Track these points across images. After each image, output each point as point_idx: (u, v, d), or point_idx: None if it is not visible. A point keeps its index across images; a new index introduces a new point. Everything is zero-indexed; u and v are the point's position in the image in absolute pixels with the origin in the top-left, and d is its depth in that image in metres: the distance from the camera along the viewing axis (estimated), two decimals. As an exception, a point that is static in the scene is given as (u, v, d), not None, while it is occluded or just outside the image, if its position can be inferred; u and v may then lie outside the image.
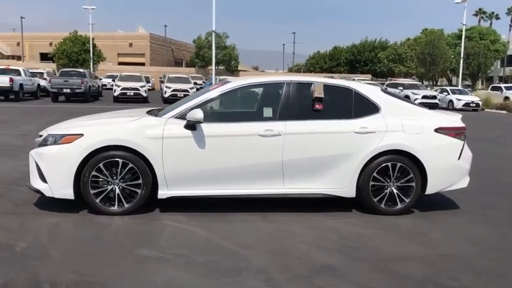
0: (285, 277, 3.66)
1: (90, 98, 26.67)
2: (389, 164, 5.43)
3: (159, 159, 5.04)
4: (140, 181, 5.06)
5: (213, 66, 26.16)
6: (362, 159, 5.36)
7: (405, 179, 5.48)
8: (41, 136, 5.38)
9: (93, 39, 49.20)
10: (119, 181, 5.06)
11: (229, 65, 54.13)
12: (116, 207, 5.06)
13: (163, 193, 5.15)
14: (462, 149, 5.66)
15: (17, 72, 26.49)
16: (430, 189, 5.58)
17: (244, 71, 71.91)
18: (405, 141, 5.44)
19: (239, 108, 5.83)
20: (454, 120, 5.80)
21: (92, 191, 5.01)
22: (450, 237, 4.83)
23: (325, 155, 5.32)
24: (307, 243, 4.46)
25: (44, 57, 70.76)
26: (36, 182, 5.11)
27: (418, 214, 5.60)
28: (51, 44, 54.29)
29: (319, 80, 5.68)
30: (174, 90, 26.34)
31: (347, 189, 5.42)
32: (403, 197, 5.50)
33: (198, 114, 5.02)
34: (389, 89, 31.77)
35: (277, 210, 5.44)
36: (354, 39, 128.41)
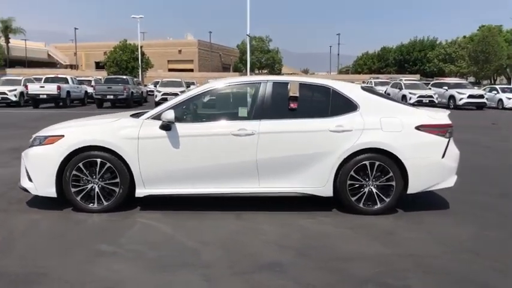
0: (226, 272, 3.71)
1: (133, 104, 27.64)
2: (367, 162, 5.33)
3: (135, 159, 5.23)
4: (118, 180, 5.27)
5: (248, 71, 26.39)
6: (338, 158, 5.30)
7: (385, 178, 5.36)
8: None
9: (141, 47, 50.94)
10: (98, 180, 5.28)
11: (273, 68, 54.23)
12: (95, 205, 5.29)
13: (140, 192, 5.33)
14: (447, 146, 5.47)
15: (65, 80, 27.97)
16: (412, 189, 5.43)
17: (290, 74, 71.96)
18: (383, 139, 5.33)
19: (217, 108, 5.92)
20: (439, 117, 5.61)
21: (73, 190, 5.26)
22: (423, 238, 4.67)
23: (300, 154, 5.31)
24: (268, 241, 4.48)
25: (99, 65, 74.05)
26: (24, 181, 5.43)
27: (401, 214, 5.46)
28: (105, 53, 56.66)
29: (295, 79, 5.67)
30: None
31: (323, 188, 5.37)
32: (383, 197, 5.38)
33: (169, 115, 5.17)
34: (434, 89, 30.87)
35: (255, 209, 5.47)
36: (403, 39, 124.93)
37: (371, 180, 5.38)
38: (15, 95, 26.37)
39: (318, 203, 5.59)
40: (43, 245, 4.31)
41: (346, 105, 5.48)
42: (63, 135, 5.29)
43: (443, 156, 5.44)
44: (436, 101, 28.67)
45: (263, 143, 5.27)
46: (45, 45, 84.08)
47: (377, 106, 5.53)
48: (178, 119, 5.37)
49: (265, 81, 5.56)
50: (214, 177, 5.32)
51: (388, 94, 31.91)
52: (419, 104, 28.29)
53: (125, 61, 49.88)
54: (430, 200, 6.07)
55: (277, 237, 4.62)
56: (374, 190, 5.38)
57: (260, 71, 55.35)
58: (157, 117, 5.32)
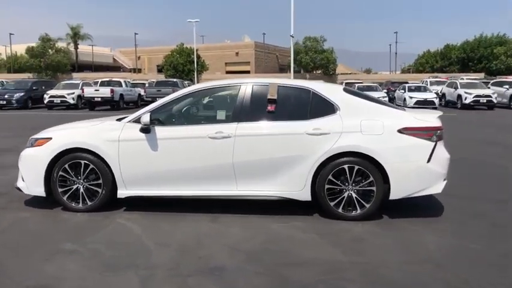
0: (165, 275, 3.75)
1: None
2: (346, 166, 5.19)
3: (116, 161, 5.40)
4: (101, 181, 5.47)
5: (292, 72, 26.25)
6: (315, 162, 5.19)
7: (365, 182, 5.19)
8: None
9: (197, 50, 52.15)
10: (82, 181, 5.51)
11: (327, 68, 53.58)
12: (80, 205, 5.53)
13: (121, 193, 5.50)
14: (432, 150, 5.19)
15: (119, 84, 29.26)
16: (395, 194, 5.21)
17: (348, 74, 70.68)
18: (362, 143, 5.16)
19: (197, 111, 5.98)
20: (427, 119, 5.34)
21: (60, 190, 5.53)
22: (391, 247, 4.48)
23: (277, 157, 5.25)
24: (227, 244, 4.47)
25: (160, 69, 76.72)
26: (19, 181, 5.78)
27: (383, 220, 5.26)
28: (165, 56, 58.58)
29: (275, 81, 5.62)
30: None
31: (301, 192, 5.28)
32: (364, 202, 5.21)
33: (145, 118, 5.30)
34: (494, 88, 29.14)
35: (236, 212, 5.47)
36: (469, 35, 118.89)
37: (351, 185, 5.22)
38: (73, 98, 27.92)
39: (305, 207, 5.48)
40: (13, 241, 4.57)
41: (326, 108, 5.35)
42: (51, 138, 5.58)
43: (428, 161, 5.18)
44: (495, 101, 27.11)
45: (239, 146, 5.27)
46: (110, 50, 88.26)
47: (358, 108, 5.36)
48: (159, 122, 5.50)
49: (245, 84, 5.55)
50: (193, 180, 5.39)
51: (443, 94, 30.61)
52: (475, 104, 26.94)
53: (181, 64, 51.32)
54: (423, 206, 5.80)
55: (240, 240, 4.61)
56: (354, 195, 5.22)
57: (314, 72, 54.88)
58: (137, 120, 5.46)
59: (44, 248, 4.37)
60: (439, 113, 5.65)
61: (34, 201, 5.88)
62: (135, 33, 74.51)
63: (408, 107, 26.96)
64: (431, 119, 5.37)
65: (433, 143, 5.21)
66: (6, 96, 27.91)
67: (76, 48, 71.51)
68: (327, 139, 5.19)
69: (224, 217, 5.35)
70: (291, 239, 4.68)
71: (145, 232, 4.87)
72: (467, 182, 7.34)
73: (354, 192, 5.22)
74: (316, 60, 53.39)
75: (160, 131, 5.39)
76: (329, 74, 53.69)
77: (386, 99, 28.87)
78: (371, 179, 5.17)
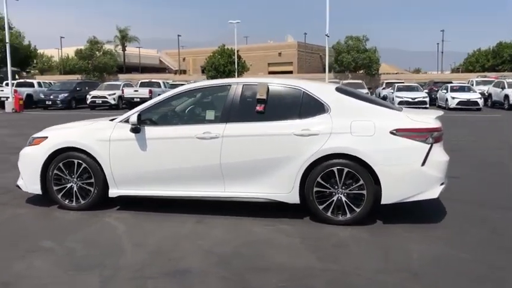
0: (128, 276, 3.71)
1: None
2: (335, 169, 4.99)
3: (107, 161, 5.45)
4: (93, 180, 5.54)
5: (326, 73, 25.83)
6: (303, 163, 5.03)
7: (356, 185, 4.97)
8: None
9: (238, 51, 52.42)
10: (76, 180, 5.60)
11: (370, 68, 52.41)
12: (74, 203, 5.60)
13: (113, 192, 5.53)
14: (428, 153, 4.90)
15: (157, 85, 29.90)
16: (386, 199, 4.96)
17: (395, 73, 68.88)
18: (352, 144, 4.94)
19: (187, 111, 5.92)
20: (422, 120, 5.05)
21: (55, 188, 5.63)
22: (373, 253, 4.26)
23: (265, 158, 5.12)
24: (203, 247, 4.39)
25: (204, 70, 77.75)
26: (19, 179, 5.94)
27: (376, 226, 5.02)
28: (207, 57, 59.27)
29: (266, 80, 5.48)
30: None
31: (289, 194, 5.13)
32: (354, 206, 4.99)
33: (133, 118, 5.31)
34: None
35: (226, 214, 5.38)
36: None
37: (340, 188, 5.02)
38: (114, 99, 28.79)
39: (299, 210, 5.32)
40: (-2, 237, 4.69)
41: (316, 108, 5.17)
42: (46, 137, 5.69)
43: (423, 164, 4.90)
44: None
45: (227, 146, 5.18)
46: (157, 52, 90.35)
47: (350, 109, 5.15)
48: (151, 122, 5.51)
49: (236, 84, 5.46)
50: (181, 181, 5.35)
51: (490, 94, 29.24)
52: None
53: (222, 65, 51.73)
54: (424, 211, 5.52)
55: (218, 243, 4.51)
56: (343, 199, 5.02)
57: (358, 72, 53.70)
58: (128, 120, 5.48)
59: (24, 245, 4.45)
60: (439, 113, 5.35)
61: (35, 199, 6.01)
62: (178, 35, 75.93)
63: (450, 108, 26.05)
64: (427, 119, 5.08)
65: (428, 145, 4.92)
66: (51, 97, 29.13)
67: (124, 50, 73.55)
68: (315, 140, 5.01)
69: (211, 218, 5.27)
70: (270, 242, 4.54)
71: (128, 232, 4.87)
72: (487, 187, 6.93)
73: (344, 195, 5.01)
74: (358, 59, 52.30)
75: (150, 131, 5.39)
76: (371, 74, 52.43)
77: (427, 99, 27.93)
78: (361, 182, 4.94)
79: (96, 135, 5.50)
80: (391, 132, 4.93)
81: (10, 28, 53.45)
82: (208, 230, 4.92)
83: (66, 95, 29.33)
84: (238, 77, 51.64)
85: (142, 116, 5.42)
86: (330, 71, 61.69)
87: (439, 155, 5.01)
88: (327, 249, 4.37)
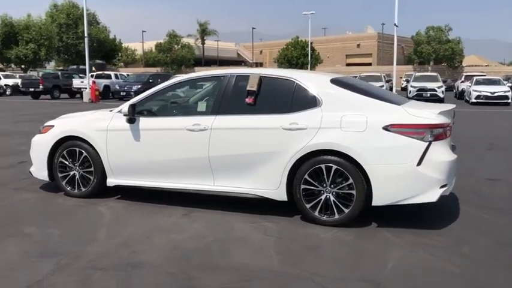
0: (80, 266, 3.70)
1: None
2: (323, 166, 4.68)
3: (105, 150, 5.53)
4: (92, 169, 5.66)
5: (394, 65, 24.55)
6: (290, 159, 4.76)
7: (345, 184, 4.63)
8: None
9: (311, 43, 51.77)
10: (78, 168, 5.75)
11: (452, 60, 49.26)
12: (76, 191, 5.77)
13: (110, 181, 5.62)
14: (425, 152, 4.43)
15: (108, 76, 31.82)
16: (377, 200, 4.56)
17: (484, 65, 64.24)
18: (340, 140, 4.59)
19: (180, 102, 5.82)
20: (422, 115, 4.56)
21: (60, 175, 5.83)
22: (344, 259, 3.94)
23: (252, 153, 4.92)
24: (173, 241, 4.29)
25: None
26: (32, 166, 6.22)
27: (367, 228, 4.66)
28: (280, 50, 59.26)
29: (258, 71, 5.25)
30: None
31: (276, 191, 4.89)
32: (342, 207, 4.65)
33: (124, 108, 5.35)
34: None
35: (216, 208, 5.26)
36: None
37: (329, 186, 4.69)
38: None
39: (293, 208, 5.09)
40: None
41: (308, 101, 4.87)
42: (53, 126, 5.91)
43: (419, 164, 4.43)
44: None
45: (215, 139, 5.05)
46: (235, 45, 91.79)
47: (343, 102, 4.78)
48: (148, 112, 5.52)
49: (229, 75, 5.29)
50: (172, 173, 5.30)
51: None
52: None
53: (295, 57, 51.40)
54: (430, 215, 5.07)
55: (191, 237, 4.41)
56: (332, 198, 4.69)
57: (442, 64, 50.62)
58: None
59: (9, 229, 4.63)
60: (448, 106, 4.82)
61: (49, 186, 6.23)
62: (253, 28, 76.47)
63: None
64: (429, 114, 4.58)
65: (426, 143, 4.44)
66: (125, 88, 30.54)
67: (203, 43, 75.68)
68: (303, 135, 4.73)
69: (200, 212, 5.18)
70: (245, 240, 4.35)
71: (111, 222, 4.91)
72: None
73: (333, 195, 4.69)
74: (439, 51, 49.37)
75: (143, 121, 5.39)
76: (454, 66, 49.30)
77: (510, 93, 25.67)
78: (350, 181, 4.59)
79: (95, 125, 5.61)
80: (384, 128, 4.52)
81: (97, 23, 57.13)
82: (191, 223, 4.83)
83: (139, 86, 30.57)
84: (311, 69, 51.01)
85: (138, 106, 5.43)
86: (409, 63, 59.03)
87: (441, 154, 4.51)
88: (296, 251, 4.09)
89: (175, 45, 61.96)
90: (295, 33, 59.39)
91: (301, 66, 50.22)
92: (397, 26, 22.68)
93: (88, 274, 3.58)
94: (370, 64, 71.39)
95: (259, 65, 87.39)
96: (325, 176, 4.68)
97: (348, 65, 74.76)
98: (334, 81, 4.99)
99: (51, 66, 60.57)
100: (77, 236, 4.45)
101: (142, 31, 73.38)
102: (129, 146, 5.42)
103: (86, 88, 29.25)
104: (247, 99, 5.05)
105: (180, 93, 5.98)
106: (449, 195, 5.78)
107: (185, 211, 5.21)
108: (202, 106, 5.36)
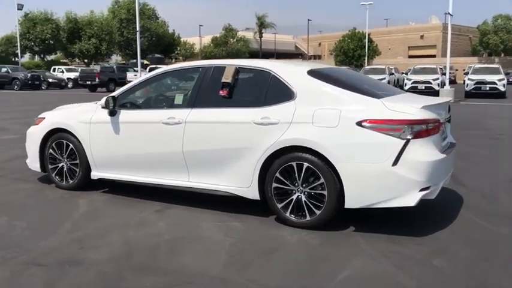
0: (20, 260, 3.61)
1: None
2: (294, 163, 4.34)
3: (88, 142, 5.49)
4: (78, 161, 5.64)
5: (448, 57, 23.01)
6: (261, 156, 4.47)
7: (317, 184, 4.27)
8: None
9: (369, 34, 50.15)
10: (66, 160, 5.76)
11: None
12: (64, 183, 5.78)
13: (94, 174, 5.57)
14: (401, 150, 3.98)
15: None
16: (350, 203, 4.17)
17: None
18: (310, 136, 4.24)
19: (159, 95, 5.62)
20: (403, 110, 4.09)
21: (50, 166, 5.87)
22: (294, 266, 3.60)
23: (224, 148, 4.67)
24: (127, 238, 4.13)
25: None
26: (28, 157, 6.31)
27: (340, 233, 4.28)
28: (336, 42, 57.91)
29: (235, 62, 4.96)
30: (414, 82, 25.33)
31: (249, 189, 4.61)
32: (314, 208, 4.30)
33: (102, 101, 5.26)
34: None
35: (192, 204, 5.07)
36: None
37: (301, 186, 4.35)
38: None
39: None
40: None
41: (283, 93, 4.53)
42: (44, 118, 5.95)
43: (394, 163, 3.99)
44: None
45: (189, 133, 4.84)
46: (292, 37, 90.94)
47: (318, 95, 4.41)
48: (129, 105, 5.42)
49: (207, 66, 5.06)
50: (150, 167, 5.16)
51: None
52: None
53: (352, 49, 50.04)
54: (426, 220, 4.58)
55: (148, 234, 4.24)
56: (303, 198, 4.35)
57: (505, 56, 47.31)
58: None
59: (-19, 219, 4.70)
60: (440, 100, 4.32)
61: (47, 178, 6.32)
62: (308, 20, 75.21)
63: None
64: (410, 109, 4.10)
65: (403, 141, 3.98)
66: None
67: (260, 36, 75.62)
68: (274, 130, 4.41)
69: (174, 208, 5.01)
70: (201, 241, 4.11)
71: (81, 216, 4.83)
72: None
73: (304, 195, 4.34)
74: (508, 41, 46.12)
75: (123, 114, 5.28)
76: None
77: None
78: (322, 180, 4.22)
79: (80, 117, 5.58)
80: (358, 124, 4.10)
81: (156, 18, 58.64)
82: (158, 220, 4.67)
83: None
84: (368, 62, 49.50)
85: (121, 99, 5.34)
86: (477, 55, 55.69)
87: (422, 153, 4.03)
88: (250, 255, 3.80)
89: (231, 39, 62.38)
90: (356, 25, 57.90)
91: (358, 58, 48.79)
92: (451, 15, 21.28)
93: (22, 270, 3.50)
94: (434, 56, 68.14)
95: (317, 57, 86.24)
96: (296, 175, 4.34)
97: (410, 57, 71.97)
98: (312, 73, 4.61)
99: (113, 61, 63.05)
100: (39, 229, 4.41)
101: (200, 25, 74.74)
102: (109, 139, 5.34)
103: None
104: (221, 92, 4.79)
105: (171, 85, 5.80)
106: (453, 197, 5.30)
107: (161, 207, 5.06)
108: (179, 99, 5.17)
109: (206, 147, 4.76)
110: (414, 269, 3.50)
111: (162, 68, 5.53)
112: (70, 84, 38.30)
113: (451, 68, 38.12)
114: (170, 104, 5.26)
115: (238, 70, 4.82)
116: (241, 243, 4.05)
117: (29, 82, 34.31)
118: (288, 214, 4.42)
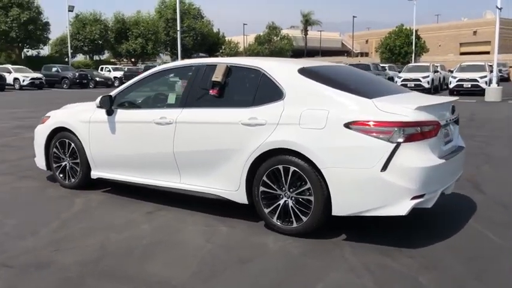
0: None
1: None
2: (280, 167, 4.11)
3: (88, 141, 5.47)
4: (78, 160, 5.64)
5: (495, 52, 21.66)
6: (248, 158, 4.26)
7: (304, 189, 4.02)
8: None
9: (416, 30, 48.48)
10: (68, 158, 5.78)
11: None
12: (66, 181, 5.80)
13: (93, 173, 5.54)
14: (391, 155, 3.66)
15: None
16: (337, 210, 3.89)
17: None
18: (296, 138, 3.99)
19: (154, 95, 5.48)
20: (395, 111, 3.76)
21: (54, 165, 5.91)
22: (264, 276, 3.37)
23: (213, 149, 4.50)
24: (107, 241, 4.02)
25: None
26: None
27: (327, 241, 4.01)
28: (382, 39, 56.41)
29: (227, 60, 4.76)
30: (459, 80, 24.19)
31: (236, 193, 4.42)
32: (300, 214, 4.05)
33: (97, 100, 5.21)
34: None
35: (185, 206, 4.93)
36: None
37: (288, 190, 4.12)
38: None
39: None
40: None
41: (272, 93, 4.30)
42: (49, 116, 5.99)
43: (383, 169, 3.67)
44: None
45: (179, 134, 4.71)
46: (339, 34, 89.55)
47: (307, 94, 4.15)
48: (127, 104, 5.36)
49: (199, 65, 4.90)
50: (143, 168, 5.07)
51: None
52: None
53: (398, 46, 48.54)
54: (423, 230, 4.22)
55: (126, 238, 4.12)
56: (290, 204, 4.11)
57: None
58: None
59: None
60: (440, 99, 3.95)
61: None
62: (354, 16, 73.69)
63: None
64: (403, 110, 3.76)
65: (393, 145, 3.66)
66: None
67: (306, 34, 75.04)
68: (261, 131, 4.19)
69: (166, 210, 4.89)
70: (182, 246, 3.94)
71: (72, 216, 4.78)
72: None
73: (292, 200, 4.10)
74: None
75: (119, 114, 5.21)
76: None
77: None
78: (308, 185, 3.97)
79: (80, 116, 5.57)
80: (346, 126, 3.81)
81: (201, 17, 59.32)
82: (144, 222, 4.56)
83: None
84: (415, 59, 47.89)
85: (118, 98, 5.29)
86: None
87: (414, 158, 3.69)
88: (224, 263, 3.60)
89: (274, 37, 62.16)
90: (405, 21, 56.27)
91: (405, 55, 47.29)
92: (499, 8, 20.12)
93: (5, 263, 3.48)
94: (488, 53, 65.00)
95: (364, 54, 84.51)
96: (283, 179, 4.11)
97: (462, 54, 69.23)
98: (303, 71, 4.34)
99: (161, 60, 64.33)
100: (25, 229, 4.38)
101: (244, 24, 74.92)
102: (106, 138, 5.29)
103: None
104: (211, 91, 4.62)
105: (173, 83, 5.71)
106: (465, 205, 4.92)
107: (153, 208, 4.96)
108: (171, 98, 5.05)
109: (196, 148, 4.61)
110: (394, 287, 3.19)
111: (158, 67, 5.43)
112: (116, 83, 39.36)
113: (504, 65, 36.25)
114: (164, 104, 5.16)
115: (229, 68, 4.63)
116: (219, 250, 3.86)
117: (77, 81, 35.57)
118: (275, 220, 4.19)
